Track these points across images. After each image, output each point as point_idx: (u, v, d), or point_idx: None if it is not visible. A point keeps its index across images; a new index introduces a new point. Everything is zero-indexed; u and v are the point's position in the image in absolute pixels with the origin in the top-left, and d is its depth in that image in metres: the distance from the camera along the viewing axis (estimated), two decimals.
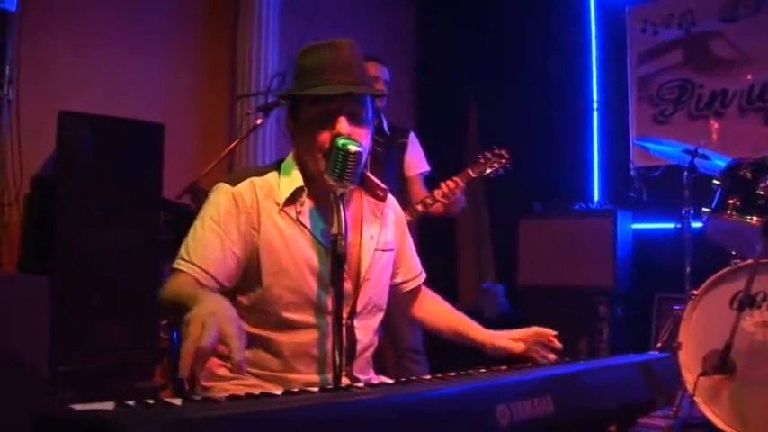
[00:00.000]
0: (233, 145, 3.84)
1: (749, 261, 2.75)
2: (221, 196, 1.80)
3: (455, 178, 3.54)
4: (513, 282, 4.90)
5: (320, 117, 1.77)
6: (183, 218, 3.68)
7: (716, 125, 4.40)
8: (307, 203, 1.82)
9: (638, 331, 4.59)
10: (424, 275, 2.19)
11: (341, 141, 1.70)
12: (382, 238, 1.96)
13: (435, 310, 2.19)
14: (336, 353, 1.65)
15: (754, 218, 2.92)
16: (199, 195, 3.61)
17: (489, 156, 3.57)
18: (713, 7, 4.48)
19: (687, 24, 4.60)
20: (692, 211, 3.43)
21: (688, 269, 3.42)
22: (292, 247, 1.79)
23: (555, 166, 5.05)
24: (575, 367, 1.68)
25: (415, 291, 2.17)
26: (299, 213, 1.81)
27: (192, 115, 4.81)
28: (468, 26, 5.54)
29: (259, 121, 3.72)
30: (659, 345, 3.37)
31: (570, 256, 4.57)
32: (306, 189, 1.82)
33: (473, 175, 3.55)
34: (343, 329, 1.81)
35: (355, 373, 1.86)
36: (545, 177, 4.96)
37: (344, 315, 1.83)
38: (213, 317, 1.35)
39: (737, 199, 2.96)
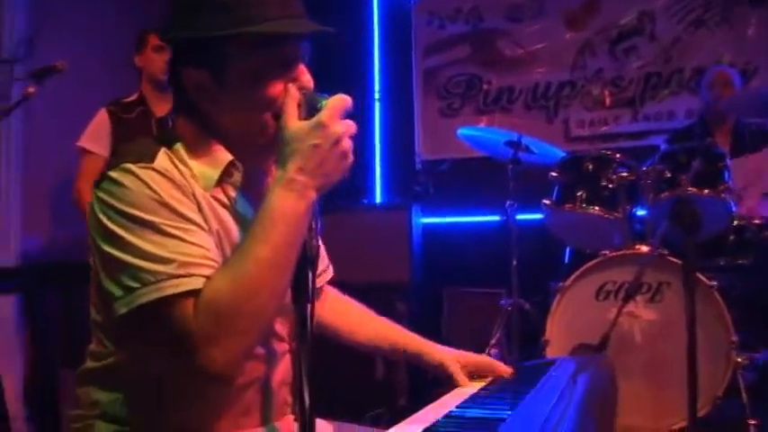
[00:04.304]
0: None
1: (618, 252, 2.77)
2: (144, 183, 1.17)
3: None
4: None
5: (270, 65, 1.25)
6: None
7: (504, 120, 4.53)
8: (237, 186, 1.30)
9: (430, 326, 4.54)
10: (332, 269, 1.76)
11: (318, 96, 1.22)
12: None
13: (348, 313, 1.71)
14: (305, 392, 1.19)
15: (597, 208, 2.97)
16: None
17: None
18: (499, 6, 4.59)
19: (474, 20, 4.66)
20: (515, 204, 3.42)
21: (514, 262, 3.41)
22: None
23: None
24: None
25: (321, 288, 1.75)
26: (232, 200, 1.29)
27: None
28: None
29: (31, 90, 2.96)
30: (493, 342, 3.30)
31: (362, 252, 4.36)
32: (238, 164, 1.29)
33: None
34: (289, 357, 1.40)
35: None
36: None
37: (285, 336, 1.40)
38: None
39: (583, 191, 2.97)
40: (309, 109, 1.23)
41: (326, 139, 1.16)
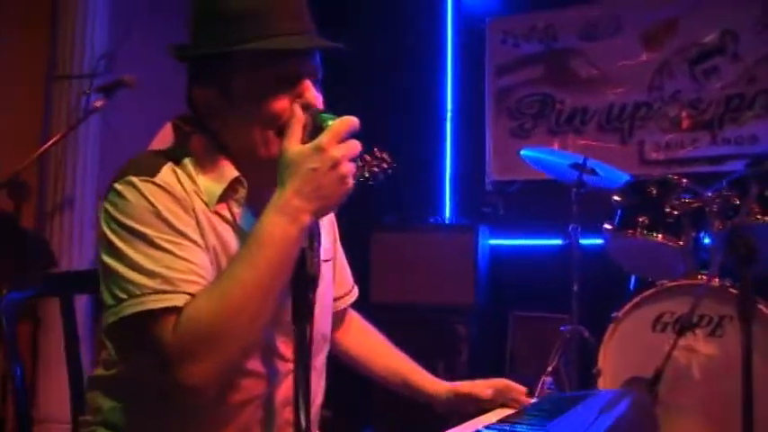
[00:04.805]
0: (68, 130, 3.18)
1: (675, 282, 2.64)
2: (143, 196, 1.20)
3: None
4: (364, 299, 4.53)
5: (274, 81, 1.27)
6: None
7: (576, 142, 4.41)
8: (242, 202, 1.31)
9: (494, 351, 4.45)
10: (356, 291, 1.76)
11: (323, 116, 1.23)
12: (321, 243, 1.52)
13: (368, 343, 1.74)
14: (302, 412, 1.19)
15: (659, 235, 2.84)
16: (22, 192, 2.92)
17: (369, 159, 3.23)
18: (574, 25, 4.48)
19: (548, 39, 4.56)
20: (579, 228, 3.32)
21: (575, 288, 3.30)
22: None
23: (403, 177, 4.77)
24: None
25: (344, 311, 1.74)
26: (235, 216, 1.30)
27: None
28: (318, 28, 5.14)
29: (99, 104, 3.14)
30: (550, 369, 3.20)
31: (427, 273, 4.32)
32: (243, 181, 1.30)
33: None
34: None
35: None
36: (393, 188, 4.67)
37: (289, 355, 1.38)
38: None
39: (645, 217, 2.85)
40: (314, 129, 1.23)
41: (324, 162, 1.15)
